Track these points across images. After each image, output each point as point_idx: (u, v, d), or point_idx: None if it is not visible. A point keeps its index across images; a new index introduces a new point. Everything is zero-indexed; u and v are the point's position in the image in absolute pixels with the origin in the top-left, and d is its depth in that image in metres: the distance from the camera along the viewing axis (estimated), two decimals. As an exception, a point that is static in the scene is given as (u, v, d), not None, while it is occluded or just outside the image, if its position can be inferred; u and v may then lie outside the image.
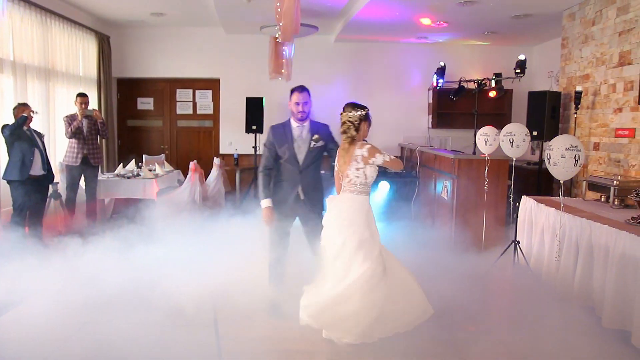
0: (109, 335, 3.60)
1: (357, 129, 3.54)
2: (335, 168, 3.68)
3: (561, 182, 4.68)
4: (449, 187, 6.63)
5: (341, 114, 3.60)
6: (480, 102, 8.75)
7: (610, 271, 4.11)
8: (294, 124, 4.16)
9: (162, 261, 4.96)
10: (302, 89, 4.12)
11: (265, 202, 3.86)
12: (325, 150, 4.16)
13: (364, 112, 3.57)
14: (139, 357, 3.36)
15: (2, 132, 5.81)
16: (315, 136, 4.07)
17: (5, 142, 5.84)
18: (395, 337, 3.62)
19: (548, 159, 4.62)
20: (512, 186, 5.86)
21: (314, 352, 3.53)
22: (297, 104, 4.11)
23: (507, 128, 5.59)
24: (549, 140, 7.60)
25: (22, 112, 5.87)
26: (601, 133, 6.78)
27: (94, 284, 4.49)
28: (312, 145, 4.05)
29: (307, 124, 4.15)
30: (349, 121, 3.57)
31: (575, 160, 4.44)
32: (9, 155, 5.83)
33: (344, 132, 3.57)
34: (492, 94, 8.44)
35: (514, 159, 5.68)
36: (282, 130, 4.12)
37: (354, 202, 3.54)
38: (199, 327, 3.85)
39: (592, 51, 7.05)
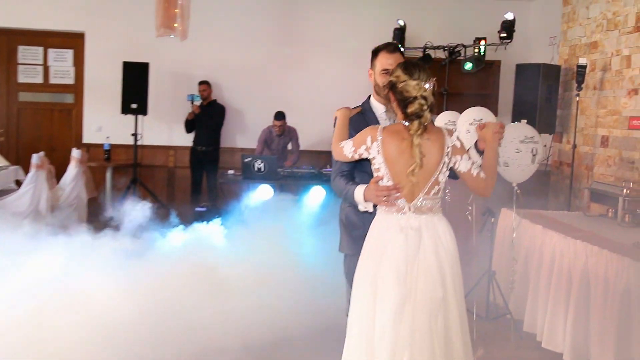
0: None
1: (432, 109, 3.29)
2: (385, 176, 3.32)
3: (515, 187, 4.97)
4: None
5: (397, 82, 3.28)
6: (452, 77, 8.82)
7: (610, 312, 4.14)
8: (380, 105, 3.79)
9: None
10: (394, 47, 3.76)
11: (358, 188, 3.46)
12: None
13: (433, 80, 3.30)
14: None
15: None
16: None
17: None
18: None
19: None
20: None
21: None
22: (387, 71, 3.65)
23: (468, 115, 5.58)
24: (545, 133, 7.84)
25: None
26: (611, 123, 6.92)
27: None
28: None
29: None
30: (424, 97, 3.24)
31: (533, 155, 4.86)
32: None
33: (416, 114, 3.24)
34: (468, 66, 8.50)
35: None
36: (362, 119, 3.73)
37: (448, 227, 3.36)
38: None
39: (602, 10, 7.21)
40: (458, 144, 3.30)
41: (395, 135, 3.24)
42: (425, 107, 3.18)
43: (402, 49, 3.85)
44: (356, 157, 3.38)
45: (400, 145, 3.21)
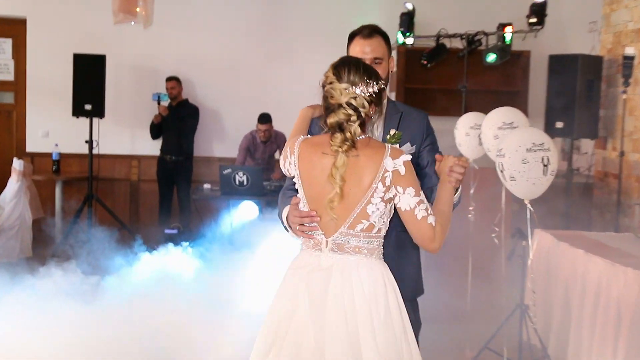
0: None
1: (364, 122, 3.04)
2: (302, 200, 3.13)
3: (527, 204, 4.94)
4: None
5: (325, 84, 3.08)
6: (472, 71, 8.84)
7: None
8: None
9: None
10: (370, 31, 3.58)
11: (286, 208, 3.29)
12: (417, 162, 3.52)
13: (379, 85, 3.05)
14: None
15: None
16: (393, 131, 3.50)
17: None
18: None
19: (501, 171, 4.89)
20: (498, 215, 5.91)
21: None
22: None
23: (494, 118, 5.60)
24: (586, 137, 7.86)
25: None
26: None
27: None
28: None
29: (382, 104, 3.42)
30: (352, 105, 3.00)
31: (544, 165, 4.75)
32: None
33: (338, 126, 3.00)
34: (491, 57, 8.54)
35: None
36: None
37: (382, 276, 3.09)
38: None
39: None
40: (402, 170, 2.96)
41: (314, 149, 3.05)
42: (353, 119, 2.92)
43: (383, 32, 3.58)
44: (288, 174, 3.20)
45: (320, 162, 3.00)
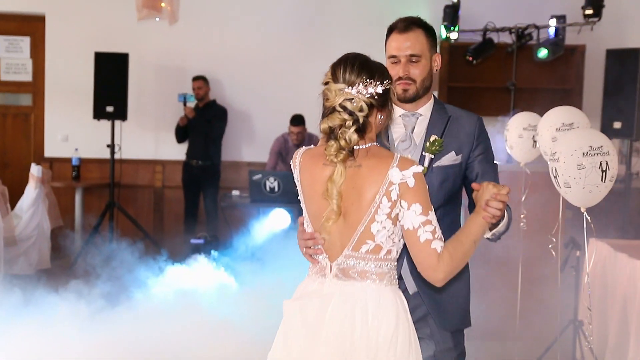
0: None
1: (362, 128, 2.85)
2: (305, 218, 3.01)
3: (584, 212, 4.74)
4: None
5: (325, 85, 2.91)
6: (522, 67, 8.80)
7: None
8: (395, 107, 3.34)
9: None
10: (407, 25, 3.44)
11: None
12: (465, 175, 3.46)
13: (384, 85, 2.85)
14: None
15: None
16: (433, 138, 3.33)
17: None
18: None
19: (555, 177, 4.70)
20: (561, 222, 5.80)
21: None
22: (396, 59, 3.42)
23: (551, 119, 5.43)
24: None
25: None
26: None
27: None
28: (430, 160, 3.29)
29: (426, 107, 3.46)
30: (347, 108, 2.82)
31: (603, 171, 4.55)
32: None
33: (332, 132, 2.85)
34: (542, 53, 8.42)
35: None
36: None
37: (394, 304, 2.88)
38: None
39: None
40: (411, 183, 2.74)
41: (315, 160, 2.88)
42: (348, 124, 2.75)
43: (425, 24, 3.47)
44: None
45: (321, 175, 2.83)
